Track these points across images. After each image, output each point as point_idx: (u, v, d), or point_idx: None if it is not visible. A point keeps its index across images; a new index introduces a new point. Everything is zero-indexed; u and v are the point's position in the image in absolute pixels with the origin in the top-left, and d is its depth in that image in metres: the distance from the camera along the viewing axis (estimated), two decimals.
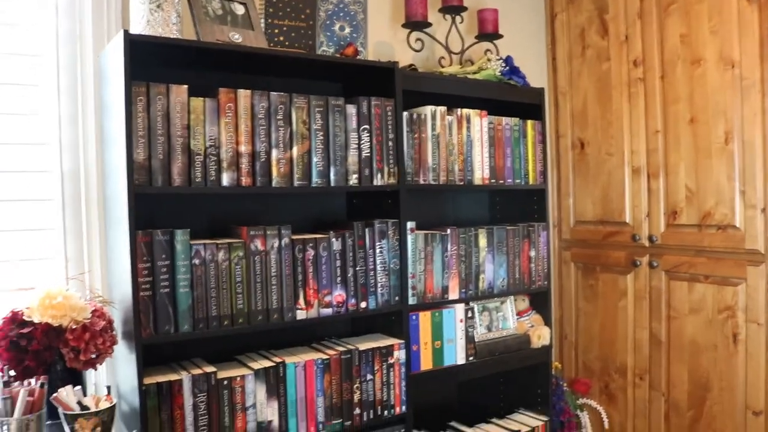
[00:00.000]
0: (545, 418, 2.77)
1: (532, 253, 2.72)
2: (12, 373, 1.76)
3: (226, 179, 1.96)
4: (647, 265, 2.81)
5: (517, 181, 2.68)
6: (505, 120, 2.64)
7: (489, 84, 2.63)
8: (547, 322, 2.80)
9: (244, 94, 1.99)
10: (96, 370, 1.91)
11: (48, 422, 1.71)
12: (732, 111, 2.45)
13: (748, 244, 2.43)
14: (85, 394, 1.78)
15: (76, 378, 1.85)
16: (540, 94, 2.78)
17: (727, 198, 2.49)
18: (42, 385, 1.66)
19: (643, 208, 2.82)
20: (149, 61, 2.00)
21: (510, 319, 2.72)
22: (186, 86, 1.90)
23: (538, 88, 2.79)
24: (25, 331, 1.75)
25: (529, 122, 2.73)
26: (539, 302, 2.83)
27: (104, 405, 1.70)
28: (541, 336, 2.73)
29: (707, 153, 2.55)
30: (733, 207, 2.48)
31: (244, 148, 1.99)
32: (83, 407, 1.68)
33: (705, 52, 2.53)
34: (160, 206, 2.11)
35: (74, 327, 1.78)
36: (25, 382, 1.69)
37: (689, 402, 2.67)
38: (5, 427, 1.58)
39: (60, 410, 1.66)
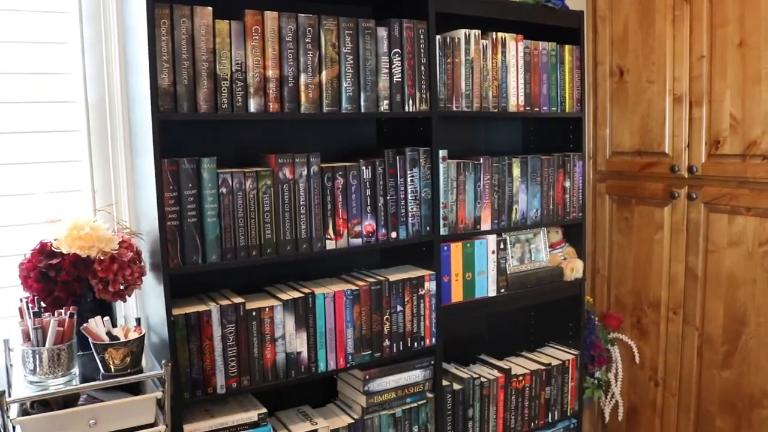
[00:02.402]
0: (576, 352, 2.75)
1: (567, 184, 2.64)
2: (42, 304, 1.75)
3: (253, 105, 1.89)
4: (686, 197, 2.71)
5: (553, 108, 2.58)
6: (541, 45, 2.52)
7: (526, 6, 2.50)
8: (581, 254, 2.74)
9: (271, 16, 1.90)
10: (125, 301, 1.89)
11: (79, 352, 1.70)
12: None
13: None
14: (114, 326, 1.77)
15: (105, 309, 1.83)
16: (579, 17, 2.64)
17: None
18: (71, 316, 1.64)
19: (684, 137, 2.70)
20: None
21: (543, 251, 2.66)
22: (210, 8, 1.81)
23: (577, 11, 2.65)
24: (53, 262, 1.74)
25: (567, 47, 2.60)
26: (573, 235, 2.76)
27: (133, 335, 1.68)
28: (575, 269, 2.67)
29: (756, 79, 2.41)
30: None
31: (271, 73, 1.91)
32: (112, 337, 1.67)
33: None
34: (186, 134, 2.06)
35: (102, 258, 1.75)
36: (56, 313, 1.67)
37: (724, 336, 2.62)
38: (37, 356, 1.58)
39: (90, 340, 1.65)
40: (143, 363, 1.72)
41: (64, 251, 1.73)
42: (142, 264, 1.87)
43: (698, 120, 2.64)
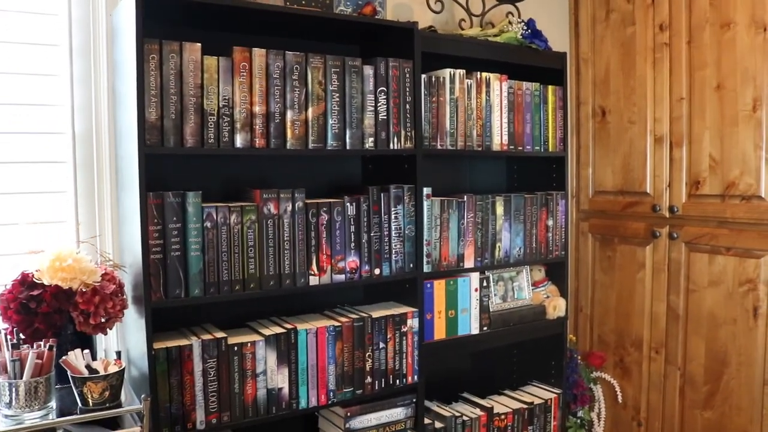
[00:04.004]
0: (558, 391, 2.74)
1: (550, 222, 2.66)
2: (21, 335, 1.73)
3: (239, 140, 1.91)
4: (667, 236, 2.75)
5: (536, 148, 2.62)
6: (525, 85, 2.56)
7: (510, 47, 2.55)
8: (563, 293, 2.76)
9: (258, 53, 1.93)
10: (106, 334, 1.88)
11: (57, 386, 1.68)
12: (762, 77, 2.36)
13: None
14: (94, 359, 1.76)
15: (85, 342, 1.82)
16: (562, 58, 2.70)
17: (753, 167, 2.42)
18: (51, 348, 1.63)
19: (665, 177, 2.75)
20: (162, 20, 1.95)
21: (525, 289, 2.67)
22: (199, 44, 1.84)
23: (560, 52, 2.71)
24: (34, 293, 1.73)
25: (550, 88, 2.65)
26: (556, 273, 2.78)
27: (113, 369, 1.67)
28: (557, 307, 2.68)
29: (733, 120, 2.47)
30: (759, 177, 2.40)
31: (258, 109, 1.93)
32: (92, 371, 1.65)
33: (735, 15, 2.43)
34: (172, 168, 2.06)
35: (84, 290, 1.75)
36: (35, 345, 1.66)
37: (706, 376, 2.62)
38: (14, 389, 1.56)
39: (69, 373, 1.64)
40: (122, 397, 1.70)
41: (46, 282, 1.72)
42: (124, 297, 1.86)
43: (679, 160, 2.68)
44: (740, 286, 2.49)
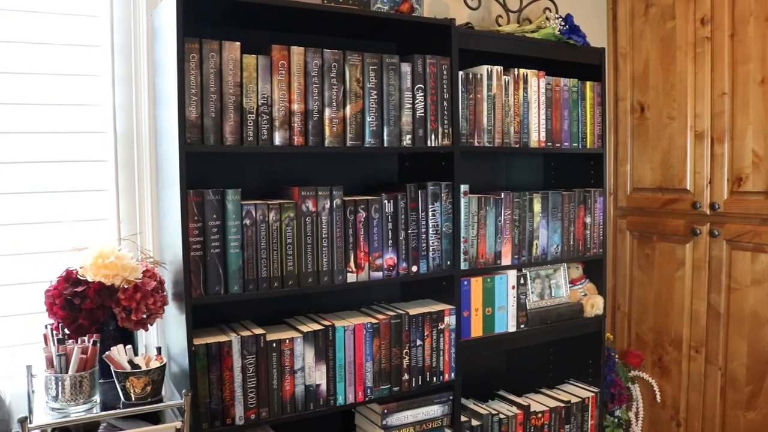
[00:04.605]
0: (596, 390, 2.71)
1: (588, 220, 2.63)
2: (66, 331, 1.77)
3: (278, 138, 1.92)
4: (708, 233, 2.70)
5: (574, 144, 2.59)
6: (563, 81, 2.54)
7: (547, 43, 2.53)
8: (601, 291, 2.73)
9: (297, 51, 1.94)
10: (147, 330, 1.91)
11: (100, 380, 1.71)
12: None
13: None
14: (136, 354, 1.78)
15: (127, 338, 1.85)
16: (600, 54, 2.66)
17: None
18: (94, 343, 1.66)
19: (706, 174, 2.70)
20: (202, 20, 1.97)
21: (563, 287, 2.65)
22: (239, 43, 1.86)
23: (598, 48, 2.67)
24: (78, 289, 1.76)
25: (588, 84, 2.62)
26: (593, 271, 2.75)
27: (155, 364, 1.69)
28: (595, 305, 2.65)
29: None
30: None
31: (296, 107, 1.94)
32: (134, 366, 1.68)
33: None
34: (211, 166, 2.09)
35: (126, 287, 1.78)
36: (79, 340, 1.69)
37: (748, 376, 2.57)
38: (60, 383, 1.59)
39: (112, 368, 1.67)
40: (163, 392, 1.73)
41: (89, 279, 1.76)
42: (165, 293, 1.88)
43: (720, 156, 2.63)
44: None
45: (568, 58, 2.58)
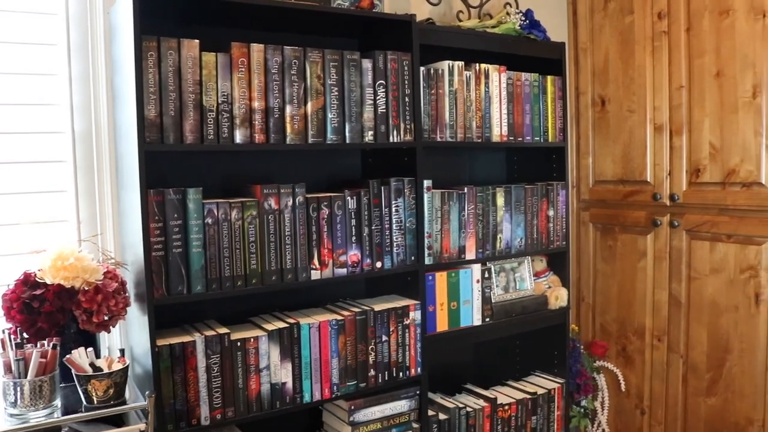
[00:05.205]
0: (561, 381, 2.75)
1: (551, 213, 2.66)
2: (25, 335, 1.74)
3: (239, 136, 1.91)
4: (668, 224, 2.75)
5: (536, 138, 2.61)
6: (524, 75, 2.56)
7: (508, 38, 2.54)
8: (565, 283, 2.76)
9: (257, 49, 1.92)
10: (109, 332, 1.88)
11: (61, 384, 1.69)
12: (761, 63, 2.36)
13: None
14: (98, 357, 1.76)
15: (89, 340, 1.83)
16: (560, 48, 2.69)
17: (753, 154, 2.42)
18: (54, 347, 1.63)
19: (665, 166, 2.75)
20: (160, 17, 1.94)
21: (527, 279, 2.67)
22: (197, 41, 1.84)
23: (558, 42, 2.70)
24: (37, 292, 1.73)
25: (549, 78, 2.64)
26: (557, 263, 2.78)
27: (117, 366, 1.68)
28: (559, 297, 2.69)
29: (733, 108, 2.47)
30: (759, 163, 2.40)
31: (257, 104, 1.93)
32: (96, 369, 1.66)
33: (734, 2, 2.43)
34: (172, 165, 2.07)
35: (86, 289, 1.75)
36: (38, 344, 1.67)
37: (708, 364, 2.63)
38: (19, 388, 1.57)
39: (73, 372, 1.64)
40: (126, 394, 1.71)
41: (48, 282, 1.73)
42: (127, 295, 1.86)
43: (679, 149, 2.68)
44: (741, 273, 2.49)
45: (529, 52, 2.60)
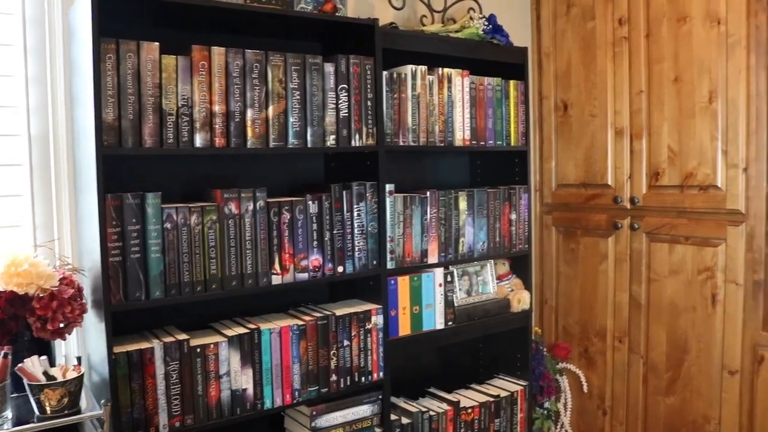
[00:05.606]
0: (525, 383, 2.77)
1: (513, 217, 2.68)
2: None
3: (199, 140, 1.89)
4: (628, 227, 2.79)
5: (499, 142, 2.63)
6: (487, 80, 2.57)
7: (471, 43, 2.56)
8: (528, 286, 2.78)
9: (218, 52, 1.91)
10: (65, 340, 1.85)
11: (13, 394, 1.65)
12: (717, 69, 2.41)
13: (729, 204, 2.41)
14: (53, 365, 1.73)
15: (43, 348, 1.79)
16: (523, 53, 2.71)
17: (710, 158, 2.46)
18: (5, 356, 1.60)
19: (626, 169, 2.78)
20: (119, 19, 1.91)
21: (490, 283, 2.69)
22: (157, 43, 1.81)
23: (521, 47, 2.72)
24: None
25: (512, 83, 2.66)
26: (520, 266, 2.80)
27: (71, 375, 1.65)
28: (521, 300, 2.71)
29: (690, 113, 2.51)
30: (715, 167, 2.45)
31: (217, 108, 1.91)
32: (50, 377, 1.63)
33: (691, 10, 2.47)
34: (130, 169, 2.03)
35: (41, 295, 1.72)
36: None
37: (667, 364, 2.67)
38: None
39: (25, 381, 1.61)
40: (83, 404, 1.68)
41: (0, 288, 1.69)
42: (84, 301, 1.83)
43: (639, 152, 2.72)
44: (699, 274, 2.53)
45: (492, 57, 2.62)
